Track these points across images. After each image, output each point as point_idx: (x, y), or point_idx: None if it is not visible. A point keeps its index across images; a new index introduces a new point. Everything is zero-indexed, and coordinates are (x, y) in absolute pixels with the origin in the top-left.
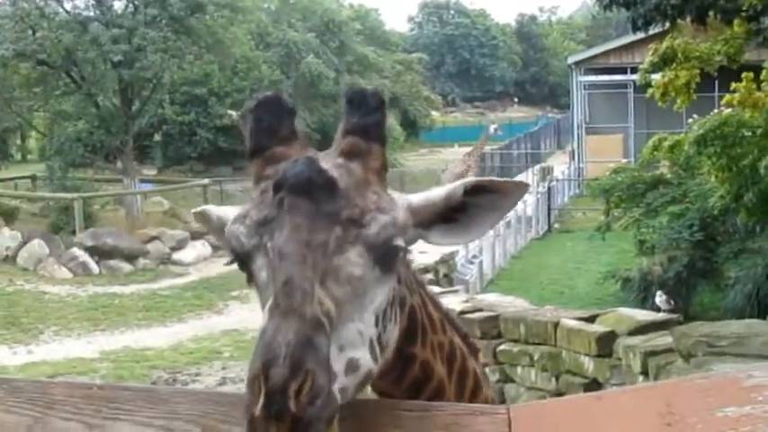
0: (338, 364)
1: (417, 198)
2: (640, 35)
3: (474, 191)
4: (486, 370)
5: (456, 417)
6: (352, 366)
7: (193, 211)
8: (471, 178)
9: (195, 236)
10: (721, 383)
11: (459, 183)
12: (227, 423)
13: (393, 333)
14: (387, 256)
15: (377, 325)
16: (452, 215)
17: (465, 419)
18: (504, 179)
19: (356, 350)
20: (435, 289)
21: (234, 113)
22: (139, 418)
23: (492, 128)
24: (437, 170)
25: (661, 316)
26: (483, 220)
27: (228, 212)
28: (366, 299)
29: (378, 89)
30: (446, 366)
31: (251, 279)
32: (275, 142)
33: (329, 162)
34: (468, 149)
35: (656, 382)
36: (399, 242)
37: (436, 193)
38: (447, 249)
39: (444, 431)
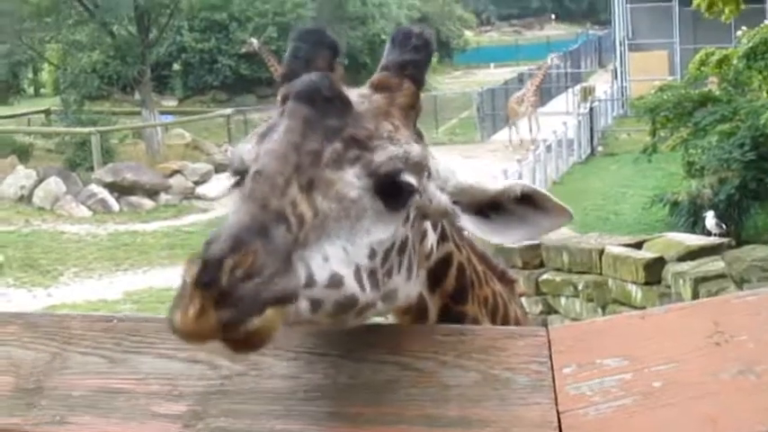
0: (320, 273)
1: (468, 178)
2: None
3: (523, 198)
4: (524, 300)
5: (494, 340)
6: (333, 280)
7: (229, 148)
8: (528, 184)
9: (219, 169)
10: None
11: (516, 183)
12: (255, 353)
13: (403, 286)
14: (392, 192)
15: (371, 259)
16: (487, 211)
17: (503, 342)
18: (554, 199)
19: (342, 267)
20: None
21: (255, 40)
22: (163, 350)
23: (551, 57)
24: (472, 93)
25: (712, 240)
26: (515, 230)
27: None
28: (359, 225)
29: (425, 29)
30: (490, 319)
31: None
32: (307, 72)
33: (354, 92)
34: (504, 70)
35: (703, 300)
36: (409, 179)
37: (490, 183)
38: (486, 176)
39: (482, 355)
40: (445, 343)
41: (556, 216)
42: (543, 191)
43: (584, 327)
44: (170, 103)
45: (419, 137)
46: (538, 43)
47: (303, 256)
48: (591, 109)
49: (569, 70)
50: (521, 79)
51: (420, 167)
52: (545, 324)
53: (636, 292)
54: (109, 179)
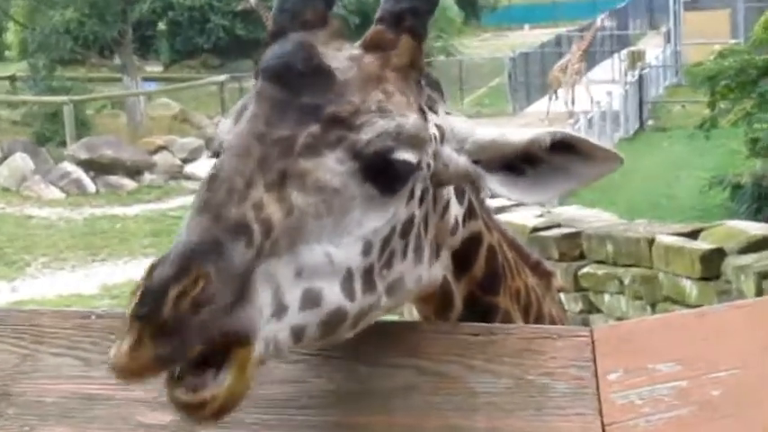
0: (291, 294)
1: (489, 132)
2: None
3: (559, 146)
4: (563, 296)
5: (528, 341)
6: (309, 298)
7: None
8: (561, 130)
9: (211, 144)
10: None
11: (545, 131)
12: None
13: (411, 271)
14: (385, 173)
15: (366, 255)
16: (521, 165)
17: (539, 344)
18: (599, 144)
19: (319, 279)
20: (502, 202)
21: None
22: None
23: (600, 18)
24: (503, 59)
25: None
26: (555, 183)
27: None
28: (347, 219)
29: None
30: (523, 315)
31: None
32: (295, 27)
33: (343, 54)
34: (540, 32)
35: None
36: (404, 156)
37: (516, 134)
38: None
39: (515, 358)
40: (472, 344)
41: (602, 162)
42: (583, 135)
43: (632, 326)
44: (155, 68)
45: (430, 107)
46: (579, 1)
47: (269, 272)
48: (640, 77)
49: (615, 32)
50: (559, 42)
51: (418, 140)
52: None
53: (691, 289)
54: (84, 156)
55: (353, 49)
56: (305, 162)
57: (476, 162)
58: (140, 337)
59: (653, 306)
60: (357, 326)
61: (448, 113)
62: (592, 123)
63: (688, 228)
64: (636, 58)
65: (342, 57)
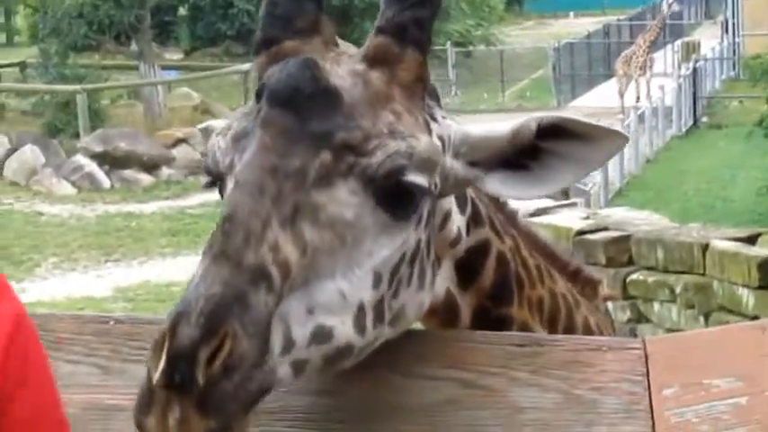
0: (301, 330)
1: (477, 130)
2: None
3: (551, 132)
4: (610, 306)
5: (577, 353)
6: (319, 335)
7: (199, 127)
8: (547, 114)
9: (204, 159)
10: None
11: (529, 118)
12: None
13: (413, 298)
14: (396, 197)
15: (376, 287)
16: (521, 161)
17: (588, 356)
18: (594, 123)
19: (331, 316)
20: (545, 203)
21: None
22: None
23: (666, 3)
24: (547, 49)
25: None
26: (559, 172)
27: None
28: (359, 251)
29: None
30: (548, 327)
31: None
32: (288, 35)
33: (344, 68)
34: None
35: None
36: (416, 179)
37: (501, 126)
38: None
39: (562, 371)
40: (517, 355)
41: (606, 142)
42: (578, 117)
43: (688, 339)
44: (174, 56)
45: (431, 116)
46: None
47: (282, 313)
48: (694, 70)
49: (669, 21)
50: (607, 32)
51: (430, 163)
52: (633, 334)
53: (747, 298)
54: (98, 149)
55: (355, 61)
56: (317, 195)
57: (473, 164)
58: (185, 412)
59: (706, 316)
60: (360, 357)
61: (444, 117)
62: (643, 119)
63: (745, 232)
64: (690, 49)
65: (344, 72)
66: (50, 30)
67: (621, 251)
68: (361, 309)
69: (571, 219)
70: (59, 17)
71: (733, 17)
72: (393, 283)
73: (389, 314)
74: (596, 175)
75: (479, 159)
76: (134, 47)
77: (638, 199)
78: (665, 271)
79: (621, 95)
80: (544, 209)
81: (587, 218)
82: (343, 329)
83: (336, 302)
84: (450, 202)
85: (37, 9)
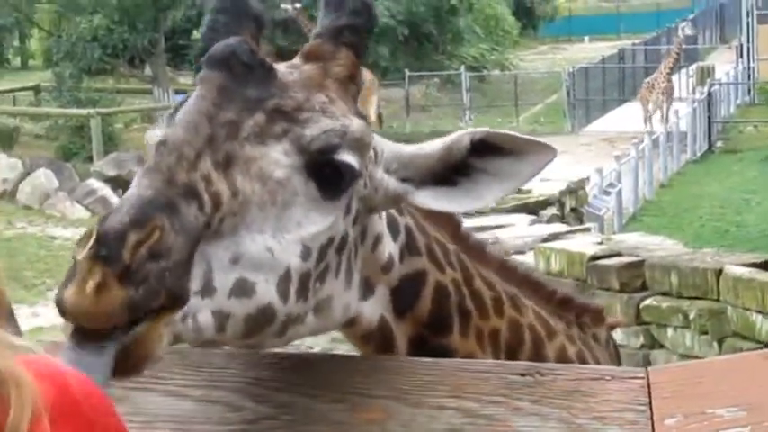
0: (223, 277)
1: (409, 148)
2: None
3: (482, 148)
4: (619, 333)
5: (578, 382)
6: (242, 288)
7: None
8: (479, 129)
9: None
10: None
11: (462, 133)
12: (286, 391)
13: (340, 294)
14: (329, 175)
15: (305, 259)
16: (451, 177)
17: (590, 385)
18: (522, 136)
19: (255, 272)
20: (558, 228)
21: (290, 5)
22: (173, 386)
23: (681, 27)
24: (561, 73)
25: None
26: (490, 188)
27: None
28: (289, 217)
29: None
30: (505, 359)
31: None
32: None
33: (281, 64)
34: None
35: None
36: (348, 159)
37: (434, 144)
38: (575, 175)
39: (564, 400)
40: (519, 384)
41: (535, 157)
42: (508, 131)
43: (691, 368)
44: (187, 80)
45: (361, 116)
46: (645, 12)
47: (206, 251)
48: (709, 94)
49: (684, 46)
50: (622, 56)
51: (362, 145)
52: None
53: (761, 324)
54: (111, 172)
55: (292, 61)
56: (251, 149)
57: (405, 180)
58: (105, 280)
59: (720, 342)
60: (283, 334)
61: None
62: (657, 143)
63: (759, 258)
64: (705, 74)
65: (280, 65)
66: (65, 53)
67: (635, 276)
68: (287, 273)
69: (585, 244)
70: (74, 41)
71: (748, 42)
72: (320, 264)
73: (313, 296)
74: (610, 200)
75: (411, 176)
76: (148, 71)
77: (652, 224)
78: (679, 296)
79: (646, 121)
80: (557, 234)
81: (601, 243)
82: (267, 288)
83: (264, 258)
84: (381, 226)
85: (51, 33)
